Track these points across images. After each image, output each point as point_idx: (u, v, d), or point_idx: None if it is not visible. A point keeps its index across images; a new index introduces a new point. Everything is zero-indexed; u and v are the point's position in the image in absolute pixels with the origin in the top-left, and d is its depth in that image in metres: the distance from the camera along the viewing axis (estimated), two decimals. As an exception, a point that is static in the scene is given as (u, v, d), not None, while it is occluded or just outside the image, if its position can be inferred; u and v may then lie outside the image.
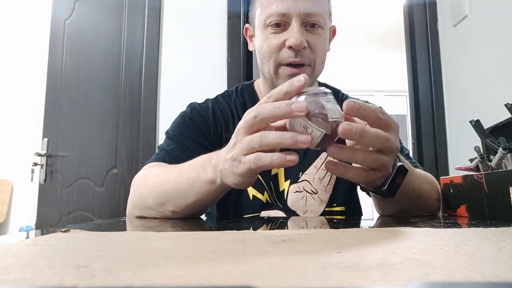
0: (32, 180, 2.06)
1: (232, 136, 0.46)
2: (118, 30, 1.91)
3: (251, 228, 0.43)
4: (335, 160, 0.44)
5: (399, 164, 0.51)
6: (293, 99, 0.40)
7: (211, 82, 1.78)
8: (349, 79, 4.12)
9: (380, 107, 0.86)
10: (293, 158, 0.40)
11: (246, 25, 0.81)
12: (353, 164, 0.46)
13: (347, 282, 0.16)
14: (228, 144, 0.47)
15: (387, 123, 0.43)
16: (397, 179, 0.51)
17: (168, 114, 1.78)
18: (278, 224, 0.52)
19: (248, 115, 0.42)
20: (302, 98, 0.39)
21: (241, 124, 0.44)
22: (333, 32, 0.80)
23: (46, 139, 1.97)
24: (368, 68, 4.37)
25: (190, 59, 1.82)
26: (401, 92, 4.01)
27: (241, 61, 1.80)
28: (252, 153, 0.42)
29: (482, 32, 1.45)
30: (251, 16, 0.77)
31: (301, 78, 0.39)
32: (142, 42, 1.84)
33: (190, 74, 1.81)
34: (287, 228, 0.46)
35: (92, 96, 1.91)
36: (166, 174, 0.61)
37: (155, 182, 0.61)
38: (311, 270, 0.18)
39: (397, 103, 4.24)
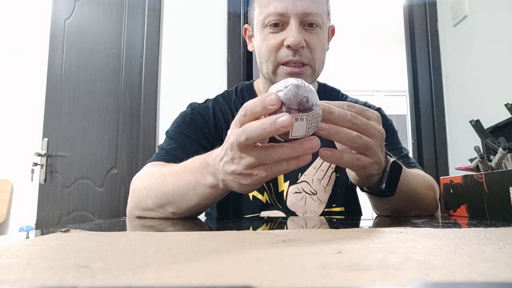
0: (32, 180, 2.06)
1: (224, 147, 0.45)
2: (118, 30, 1.91)
3: (251, 228, 0.43)
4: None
5: (392, 160, 0.51)
6: (272, 92, 0.39)
7: (211, 82, 1.78)
8: (349, 79, 4.12)
9: (379, 108, 0.87)
10: (307, 158, 0.42)
11: (245, 25, 0.81)
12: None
13: (347, 282, 0.16)
14: (221, 153, 0.47)
15: (362, 112, 0.46)
16: (393, 176, 0.51)
17: (168, 114, 1.78)
18: (278, 224, 0.52)
19: (239, 138, 0.41)
20: (280, 93, 0.38)
21: (232, 140, 0.43)
22: (332, 31, 0.80)
23: (46, 139, 1.98)
24: (368, 68, 4.37)
25: (190, 59, 1.82)
26: (401, 92, 4.01)
27: (241, 61, 1.80)
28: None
29: (482, 32, 1.45)
30: (250, 16, 0.77)
31: (274, 101, 0.38)
32: (142, 42, 1.84)
33: (190, 74, 1.81)
34: (287, 228, 0.46)
35: (92, 96, 1.91)
36: (163, 176, 0.60)
37: (154, 184, 0.61)
38: (311, 270, 0.18)
39: (397, 103, 4.24)
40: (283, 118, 0.37)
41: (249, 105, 0.40)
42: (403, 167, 0.54)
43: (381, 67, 4.37)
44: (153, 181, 0.61)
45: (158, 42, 1.82)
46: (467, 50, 1.55)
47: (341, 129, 0.43)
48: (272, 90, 0.40)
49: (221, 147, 0.47)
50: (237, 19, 1.83)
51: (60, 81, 2.00)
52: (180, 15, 1.85)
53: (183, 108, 0.83)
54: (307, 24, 0.69)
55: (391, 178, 0.52)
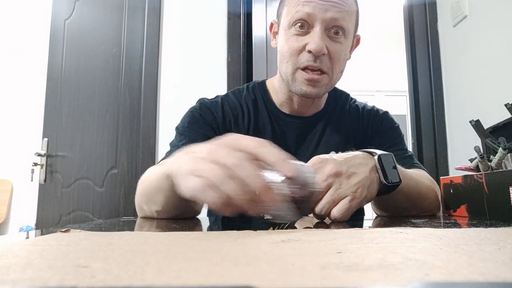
0: (32, 180, 2.05)
1: (202, 148, 0.39)
2: (118, 30, 1.91)
3: (251, 228, 0.43)
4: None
5: (379, 153, 0.52)
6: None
7: (211, 82, 1.78)
8: (349, 79, 4.11)
9: (386, 112, 0.87)
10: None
11: (272, 20, 0.80)
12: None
13: (347, 282, 0.16)
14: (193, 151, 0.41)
15: (306, 178, 0.45)
16: (388, 165, 0.52)
17: (168, 114, 1.78)
18: (278, 224, 0.52)
19: (231, 158, 0.35)
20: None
21: (204, 155, 0.37)
22: (357, 41, 0.79)
23: (46, 139, 1.97)
24: (368, 68, 4.37)
25: (190, 59, 1.82)
26: (401, 92, 4.01)
27: (241, 61, 1.80)
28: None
29: (482, 32, 1.45)
30: (278, 13, 0.77)
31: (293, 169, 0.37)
32: (142, 42, 1.84)
33: (190, 74, 1.81)
34: (287, 228, 0.46)
35: (92, 96, 1.91)
36: (151, 172, 0.61)
37: (144, 182, 0.62)
38: (311, 270, 0.18)
39: (397, 103, 4.24)
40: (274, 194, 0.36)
41: (269, 152, 0.37)
42: (392, 155, 0.54)
43: (381, 67, 4.37)
44: (144, 179, 0.63)
45: (158, 42, 1.82)
46: (467, 50, 1.55)
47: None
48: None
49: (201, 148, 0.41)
50: (237, 19, 1.83)
51: (60, 81, 2.00)
52: (180, 15, 1.85)
53: (183, 108, 0.83)
54: (333, 31, 0.68)
55: (388, 168, 0.52)
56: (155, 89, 1.79)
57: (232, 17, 1.83)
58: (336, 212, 0.48)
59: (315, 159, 0.50)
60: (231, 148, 0.37)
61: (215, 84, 1.76)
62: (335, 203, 0.48)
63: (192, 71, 1.81)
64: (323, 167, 0.48)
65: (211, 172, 0.35)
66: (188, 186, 0.37)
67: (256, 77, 1.81)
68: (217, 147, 0.37)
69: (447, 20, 1.69)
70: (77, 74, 1.97)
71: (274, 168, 0.37)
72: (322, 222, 0.54)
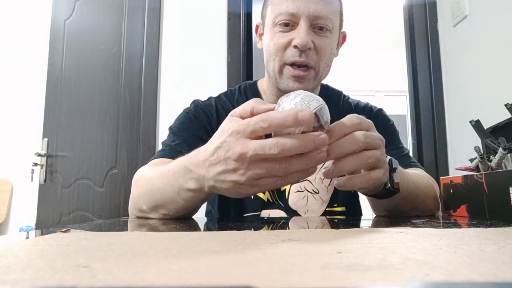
0: (32, 180, 2.05)
1: (221, 155, 0.41)
2: (118, 31, 1.91)
3: (251, 229, 0.43)
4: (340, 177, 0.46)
5: (388, 158, 0.52)
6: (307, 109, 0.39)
7: (211, 82, 1.78)
8: (349, 79, 4.12)
9: (381, 109, 0.86)
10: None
11: (257, 22, 0.80)
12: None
13: (347, 282, 0.16)
14: (211, 159, 0.42)
15: (368, 126, 0.46)
16: (393, 173, 0.52)
17: (168, 114, 1.78)
18: (278, 224, 0.52)
19: (263, 150, 0.38)
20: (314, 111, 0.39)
21: (241, 151, 0.39)
22: (343, 38, 0.79)
23: (46, 139, 1.98)
24: (368, 68, 4.37)
25: (190, 59, 1.82)
26: (401, 92, 4.01)
27: (241, 61, 1.80)
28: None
29: (482, 32, 1.45)
30: (263, 14, 0.77)
31: (309, 118, 0.37)
32: (142, 42, 1.84)
33: (190, 74, 1.81)
34: (287, 229, 0.46)
35: (92, 96, 1.91)
36: (151, 179, 0.58)
37: (145, 186, 0.60)
38: (311, 270, 0.18)
39: (397, 103, 4.24)
40: (324, 136, 0.38)
41: (277, 118, 0.37)
42: (398, 162, 0.54)
43: (381, 67, 4.37)
44: (146, 184, 0.60)
45: (158, 42, 1.82)
46: (467, 50, 1.55)
47: (350, 159, 0.43)
48: (286, 102, 0.40)
49: (210, 152, 0.43)
50: (237, 19, 1.83)
51: (60, 81, 2.00)
52: (180, 15, 1.85)
53: (183, 108, 0.83)
54: (317, 27, 0.69)
55: (392, 177, 0.52)
56: (155, 89, 1.79)
57: (232, 17, 1.83)
58: (359, 181, 0.45)
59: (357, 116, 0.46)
60: (238, 139, 0.40)
61: (215, 84, 1.76)
62: (363, 166, 0.45)
63: (192, 71, 1.81)
64: (373, 126, 0.47)
65: (269, 167, 0.39)
66: (255, 189, 0.42)
67: (256, 77, 1.81)
68: (227, 145, 0.40)
69: (447, 20, 1.69)
70: (77, 74, 1.97)
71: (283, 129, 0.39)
72: (322, 222, 0.54)
